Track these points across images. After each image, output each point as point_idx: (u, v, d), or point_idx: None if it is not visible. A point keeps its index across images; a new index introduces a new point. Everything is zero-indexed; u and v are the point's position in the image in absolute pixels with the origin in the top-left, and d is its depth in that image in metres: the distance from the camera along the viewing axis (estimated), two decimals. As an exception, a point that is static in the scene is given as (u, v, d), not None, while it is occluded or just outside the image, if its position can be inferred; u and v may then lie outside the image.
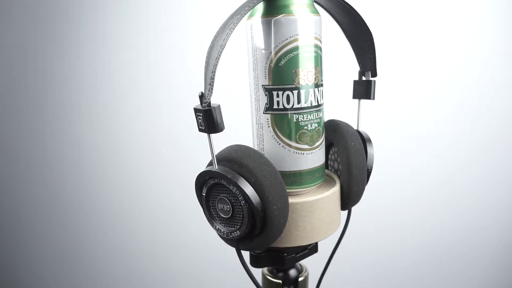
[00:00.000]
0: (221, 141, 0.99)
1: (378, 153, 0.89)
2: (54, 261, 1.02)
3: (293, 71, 0.34)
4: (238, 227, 0.33)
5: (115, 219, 0.98)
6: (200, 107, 0.30)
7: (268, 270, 0.42)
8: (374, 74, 0.43)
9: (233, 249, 0.36)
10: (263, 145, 0.36)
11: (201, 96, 0.30)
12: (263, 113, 0.35)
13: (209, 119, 0.30)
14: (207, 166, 0.34)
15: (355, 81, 0.44)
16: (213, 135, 0.31)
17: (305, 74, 0.35)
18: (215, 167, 0.32)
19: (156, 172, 0.95)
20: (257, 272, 0.44)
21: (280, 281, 0.40)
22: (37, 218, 1.01)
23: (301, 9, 0.34)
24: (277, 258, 0.38)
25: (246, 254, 0.39)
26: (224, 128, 0.30)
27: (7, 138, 0.98)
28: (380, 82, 0.86)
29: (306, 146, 0.36)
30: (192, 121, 0.95)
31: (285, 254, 0.38)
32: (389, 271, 0.95)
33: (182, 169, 0.94)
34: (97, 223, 0.99)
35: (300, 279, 0.41)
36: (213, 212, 0.34)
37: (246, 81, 0.39)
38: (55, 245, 1.01)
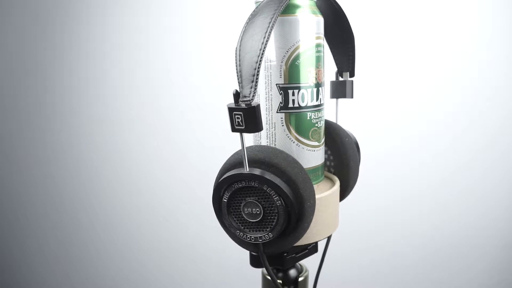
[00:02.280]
0: (221, 142, 0.99)
1: (378, 153, 0.89)
2: (54, 261, 1.02)
3: (308, 69, 0.35)
4: (270, 229, 0.32)
5: (115, 220, 0.98)
6: (237, 106, 0.29)
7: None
8: (352, 75, 0.44)
9: (233, 250, 0.35)
10: (275, 144, 0.36)
11: (237, 94, 0.29)
12: (277, 112, 0.35)
13: (252, 118, 0.29)
14: (230, 169, 0.33)
15: (332, 82, 0.46)
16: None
17: (317, 73, 0.36)
18: (247, 169, 0.31)
19: (157, 172, 0.95)
20: (257, 272, 0.44)
21: (280, 281, 0.40)
22: (37, 218, 1.01)
23: (312, 9, 0.35)
24: (277, 258, 0.38)
25: (245, 255, 0.39)
26: (263, 127, 0.30)
27: (7, 138, 0.98)
28: (380, 82, 0.87)
29: (316, 143, 0.37)
30: (191, 121, 0.96)
31: (285, 254, 0.38)
32: (389, 271, 0.95)
33: (183, 170, 0.94)
34: (97, 223, 0.99)
35: (300, 279, 0.41)
36: (235, 219, 0.32)
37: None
38: (55, 245, 1.02)
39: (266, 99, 0.36)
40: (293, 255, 0.38)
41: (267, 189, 0.31)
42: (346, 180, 0.41)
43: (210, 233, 0.94)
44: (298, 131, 0.36)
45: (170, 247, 0.98)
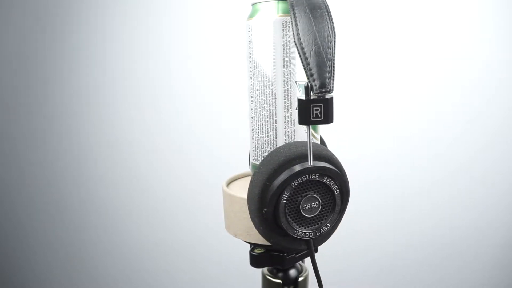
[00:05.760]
0: (221, 142, 0.98)
1: (378, 152, 0.89)
2: (55, 261, 1.02)
3: None
4: (325, 220, 0.32)
5: (116, 220, 0.98)
6: (315, 97, 0.29)
7: (268, 270, 0.42)
8: None
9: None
10: (293, 141, 0.36)
11: (308, 87, 0.29)
12: (296, 109, 0.36)
13: (331, 109, 0.29)
14: (281, 169, 0.31)
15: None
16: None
17: None
18: (311, 163, 0.31)
19: (157, 172, 0.95)
20: (257, 272, 0.44)
21: (280, 281, 0.40)
22: (38, 219, 1.01)
23: None
24: (277, 258, 0.38)
25: (245, 254, 0.39)
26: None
27: (8, 138, 0.98)
28: (382, 82, 0.87)
29: (319, 137, 0.39)
30: (192, 121, 0.95)
31: (285, 254, 0.38)
32: (389, 271, 0.95)
33: (183, 170, 0.94)
34: (98, 223, 0.99)
35: (300, 279, 0.41)
36: (291, 219, 0.31)
37: (245, 82, 0.39)
38: (56, 245, 1.02)
39: (284, 96, 0.36)
40: (293, 255, 0.38)
41: (326, 180, 0.31)
42: None
43: (210, 233, 0.94)
44: (314, 127, 0.37)
45: (170, 247, 0.98)
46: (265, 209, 0.31)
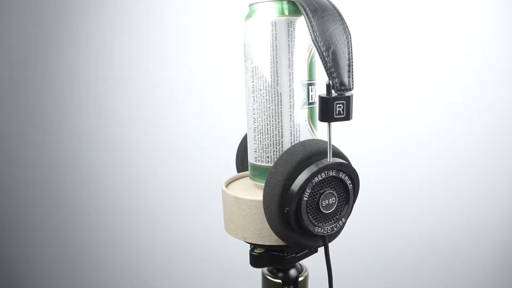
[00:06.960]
0: (220, 143, 0.98)
1: (378, 152, 0.89)
2: (55, 261, 1.02)
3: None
4: (340, 215, 0.33)
5: (115, 220, 0.98)
6: (337, 95, 0.29)
7: (268, 270, 0.42)
8: None
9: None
10: (299, 140, 0.36)
11: (330, 85, 0.29)
12: (301, 108, 0.36)
13: (351, 105, 0.30)
14: (300, 167, 0.31)
15: None
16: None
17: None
18: (330, 160, 0.31)
19: (157, 173, 0.95)
20: (257, 272, 0.44)
21: (280, 281, 0.40)
22: (38, 218, 1.01)
23: None
24: (277, 258, 0.38)
25: (245, 255, 0.39)
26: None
27: (9, 138, 0.98)
28: (381, 82, 0.87)
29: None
30: (192, 122, 0.95)
31: (285, 254, 0.38)
32: (388, 271, 0.95)
33: (183, 170, 0.94)
34: (98, 224, 0.99)
35: (300, 279, 0.41)
36: (311, 217, 0.31)
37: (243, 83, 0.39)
38: (56, 245, 1.01)
39: (290, 96, 0.36)
40: (293, 255, 0.38)
41: (342, 175, 0.32)
42: None
43: (210, 233, 0.94)
44: (314, 125, 0.37)
45: (170, 247, 0.98)
46: (286, 209, 0.31)
